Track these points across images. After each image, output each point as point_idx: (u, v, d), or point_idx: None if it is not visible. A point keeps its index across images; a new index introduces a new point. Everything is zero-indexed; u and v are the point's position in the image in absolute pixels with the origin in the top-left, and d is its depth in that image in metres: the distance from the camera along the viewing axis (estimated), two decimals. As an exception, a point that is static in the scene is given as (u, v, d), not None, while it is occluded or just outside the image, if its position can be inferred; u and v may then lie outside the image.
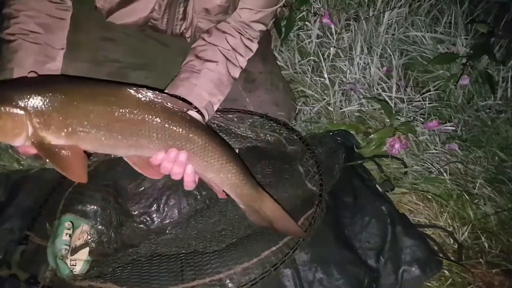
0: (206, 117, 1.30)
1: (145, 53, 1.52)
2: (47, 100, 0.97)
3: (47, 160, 1.01)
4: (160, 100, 1.04)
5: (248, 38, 1.40)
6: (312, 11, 2.22)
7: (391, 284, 1.29)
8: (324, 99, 1.91)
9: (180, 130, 1.07)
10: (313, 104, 1.92)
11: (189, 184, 1.16)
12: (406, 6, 2.25)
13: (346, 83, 1.99)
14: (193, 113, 1.24)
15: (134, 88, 1.02)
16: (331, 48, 2.09)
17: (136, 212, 1.28)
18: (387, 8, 2.22)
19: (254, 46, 1.42)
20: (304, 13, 2.20)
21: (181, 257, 1.12)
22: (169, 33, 1.45)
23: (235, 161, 1.16)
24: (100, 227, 1.19)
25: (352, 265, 1.23)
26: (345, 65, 2.05)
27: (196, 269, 1.07)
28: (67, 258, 1.08)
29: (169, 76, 1.66)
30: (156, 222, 1.29)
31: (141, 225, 1.28)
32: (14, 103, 0.96)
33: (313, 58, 2.09)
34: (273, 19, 1.44)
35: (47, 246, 1.10)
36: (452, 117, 1.93)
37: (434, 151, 1.76)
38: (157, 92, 1.05)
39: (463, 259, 1.44)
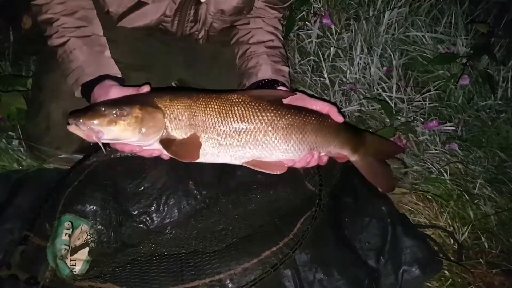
0: (288, 86, 1.43)
1: (145, 53, 1.52)
2: (181, 103, 1.11)
3: (167, 153, 1.11)
4: (264, 96, 1.18)
5: (275, 16, 1.53)
6: (312, 11, 2.22)
7: (391, 284, 1.28)
8: (324, 99, 1.91)
9: (294, 118, 1.17)
10: (313, 104, 1.92)
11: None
12: (406, 6, 2.26)
13: (346, 83, 1.99)
14: (284, 89, 1.36)
15: (240, 92, 1.20)
16: (331, 48, 2.09)
17: (136, 212, 1.28)
18: (387, 8, 2.22)
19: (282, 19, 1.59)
20: (304, 13, 2.20)
21: (181, 257, 1.11)
22: (178, 35, 1.46)
23: (335, 122, 1.25)
24: (99, 227, 1.19)
25: (352, 266, 1.22)
26: (345, 65, 2.05)
27: (196, 269, 1.07)
28: (67, 258, 1.08)
29: (170, 75, 1.66)
30: (156, 222, 1.28)
31: (141, 225, 1.27)
32: (155, 106, 1.09)
33: (313, 58, 2.09)
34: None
35: (47, 246, 1.09)
36: (452, 117, 1.93)
37: (434, 151, 1.76)
38: (253, 90, 1.26)
39: (463, 259, 1.44)
